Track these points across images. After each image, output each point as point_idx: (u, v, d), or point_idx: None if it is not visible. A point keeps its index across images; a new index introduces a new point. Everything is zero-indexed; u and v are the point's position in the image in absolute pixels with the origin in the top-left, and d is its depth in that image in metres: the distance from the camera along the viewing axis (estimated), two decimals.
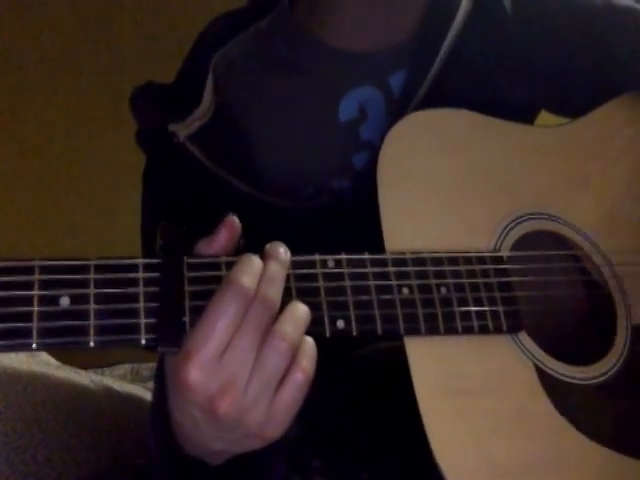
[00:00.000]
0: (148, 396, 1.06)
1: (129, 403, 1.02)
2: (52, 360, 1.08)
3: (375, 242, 0.66)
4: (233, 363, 0.51)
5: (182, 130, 0.75)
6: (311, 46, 0.82)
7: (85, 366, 1.14)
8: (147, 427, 0.65)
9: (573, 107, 0.82)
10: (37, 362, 1.01)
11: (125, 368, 1.34)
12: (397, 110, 0.75)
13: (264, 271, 0.54)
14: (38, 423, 0.87)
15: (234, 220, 0.56)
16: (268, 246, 0.57)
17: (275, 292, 0.54)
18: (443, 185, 0.70)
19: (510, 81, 0.80)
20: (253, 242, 0.58)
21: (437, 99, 0.75)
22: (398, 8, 0.81)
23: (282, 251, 0.57)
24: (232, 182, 0.74)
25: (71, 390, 0.96)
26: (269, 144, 0.80)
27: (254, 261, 0.54)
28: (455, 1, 0.80)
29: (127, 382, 1.16)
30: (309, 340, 0.55)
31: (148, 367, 1.31)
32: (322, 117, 0.80)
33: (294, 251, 0.59)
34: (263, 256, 0.56)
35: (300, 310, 0.55)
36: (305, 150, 0.80)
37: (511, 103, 0.78)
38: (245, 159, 0.79)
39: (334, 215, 0.73)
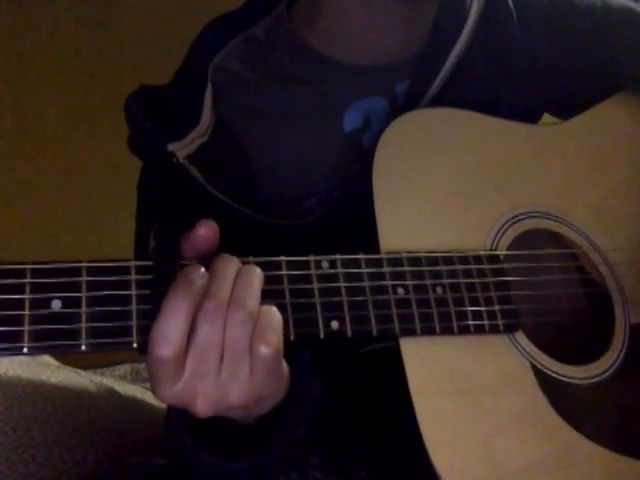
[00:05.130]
0: (148, 396, 1.06)
1: (129, 403, 1.01)
2: (52, 360, 1.08)
3: (372, 246, 0.65)
4: (196, 371, 0.51)
5: (181, 150, 0.74)
6: (313, 59, 0.81)
7: (85, 366, 1.14)
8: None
9: (574, 108, 0.82)
10: (37, 362, 1.01)
11: (125, 368, 1.34)
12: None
13: (211, 268, 0.53)
14: (38, 423, 0.87)
15: (212, 222, 0.55)
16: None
17: (222, 288, 0.52)
18: (438, 184, 0.70)
19: (513, 87, 0.80)
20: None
21: (441, 105, 0.75)
22: (401, 24, 0.80)
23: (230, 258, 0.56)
24: (229, 203, 0.74)
25: (71, 390, 0.96)
26: (272, 157, 0.79)
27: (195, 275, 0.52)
28: (463, 14, 0.80)
29: (127, 382, 1.16)
30: (272, 310, 0.53)
31: None
32: (327, 128, 0.79)
33: None
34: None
35: (251, 273, 0.54)
36: (309, 162, 0.79)
37: (514, 108, 0.78)
38: (244, 176, 0.78)
39: (333, 225, 0.72)
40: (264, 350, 0.52)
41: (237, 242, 0.57)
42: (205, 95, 0.77)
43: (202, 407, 0.52)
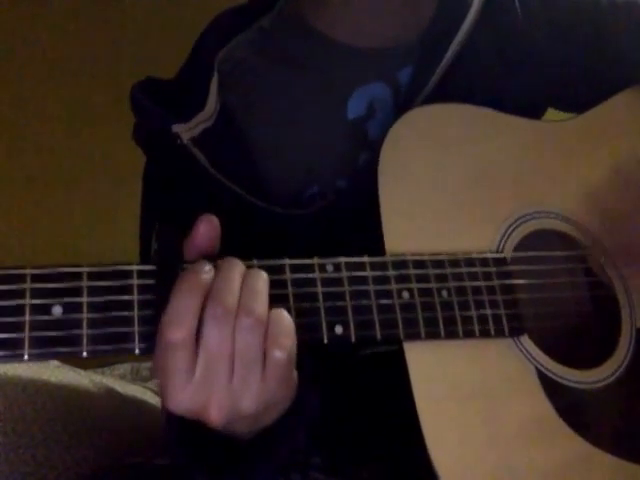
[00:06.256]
0: (148, 396, 1.06)
1: (129, 403, 1.01)
2: (52, 360, 1.08)
3: (375, 242, 0.65)
4: (205, 380, 0.51)
5: (186, 132, 0.74)
6: (318, 42, 0.81)
7: (85, 366, 1.13)
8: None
9: (578, 103, 0.81)
10: (37, 362, 1.01)
11: (125, 368, 1.34)
12: (404, 106, 0.74)
13: (217, 273, 0.53)
14: (38, 423, 0.87)
15: (212, 217, 0.55)
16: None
17: (229, 295, 0.52)
18: (445, 183, 0.69)
19: (517, 78, 0.80)
20: (252, 249, 0.57)
21: (444, 95, 0.75)
22: (406, 6, 0.80)
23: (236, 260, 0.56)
24: (233, 189, 0.73)
25: (71, 390, 0.96)
26: (275, 143, 0.79)
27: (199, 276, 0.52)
28: (466, 3, 0.79)
29: (127, 382, 1.16)
30: (283, 314, 0.53)
31: (148, 367, 1.31)
32: (330, 115, 0.79)
33: (294, 256, 0.59)
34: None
35: (257, 278, 0.54)
36: (312, 149, 0.79)
37: (518, 101, 0.78)
38: (248, 163, 0.78)
39: (335, 216, 0.72)
40: (279, 354, 0.51)
41: (240, 230, 0.57)
42: (211, 83, 0.77)
43: (216, 416, 0.51)
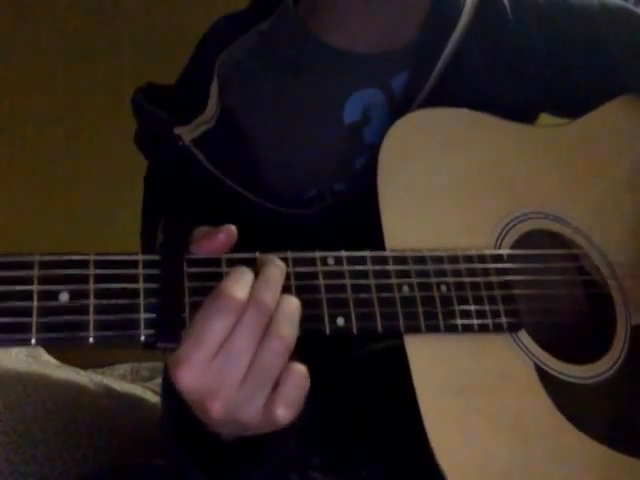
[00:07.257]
0: (148, 396, 1.06)
1: (129, 403, 1.01)
2: (52, 360, 1.08)
3: (376, 242, 0.65)
4: (224, 368, 0.51)
5: (187, 134, 0.75)
6: (315, 47, 0.82)
7: (85, 366, 1.13)
8: (161, 395, 0.65)
9: (571, 108, 0.82)
10: (37, 362, 1.02)
11: (125, 368, 1.33)
12: (399, 112, 0.75)
13: (261, 275, 0.54)
14: (38, 423, 0.87)
15: (232, 228, 0.56)
16: (265, 255, 0.57)
17: (271, 296, 0.53)
18: (443, 184, 0.70)
19: (511, 83, 0.81)
20: (253, 246, 0.58)
21: (439, 101, 0.75)
22: (399, 11, 0.80)
23: (279, 260, 0.57)
24: (234, 188, 0.74)
25: (71, 390, 0.96)
26: (274, 145, 0.80)
27: (246, 271, 0.54)
28: (459, 4, 0.80)
29: (127, 382, 1.16)
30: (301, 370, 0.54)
31: (148, 367, 1.31)
32: (328, 119, 0.80)
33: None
34: (259, 263, 0.56)
35: (292, 305, 0.55)
36: (310, 152, 0.79)
37: (512, 105, 0.79)
38: (248, 164, 0.79)
39: (336, 218, 0.73)
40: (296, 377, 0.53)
41: (241, 227, 0.57)
42: (211, 87, 0.78)
43: (218, 409, 0.51)
